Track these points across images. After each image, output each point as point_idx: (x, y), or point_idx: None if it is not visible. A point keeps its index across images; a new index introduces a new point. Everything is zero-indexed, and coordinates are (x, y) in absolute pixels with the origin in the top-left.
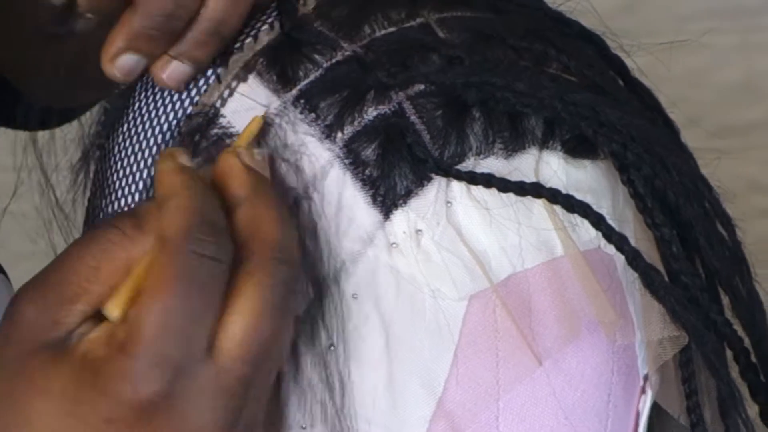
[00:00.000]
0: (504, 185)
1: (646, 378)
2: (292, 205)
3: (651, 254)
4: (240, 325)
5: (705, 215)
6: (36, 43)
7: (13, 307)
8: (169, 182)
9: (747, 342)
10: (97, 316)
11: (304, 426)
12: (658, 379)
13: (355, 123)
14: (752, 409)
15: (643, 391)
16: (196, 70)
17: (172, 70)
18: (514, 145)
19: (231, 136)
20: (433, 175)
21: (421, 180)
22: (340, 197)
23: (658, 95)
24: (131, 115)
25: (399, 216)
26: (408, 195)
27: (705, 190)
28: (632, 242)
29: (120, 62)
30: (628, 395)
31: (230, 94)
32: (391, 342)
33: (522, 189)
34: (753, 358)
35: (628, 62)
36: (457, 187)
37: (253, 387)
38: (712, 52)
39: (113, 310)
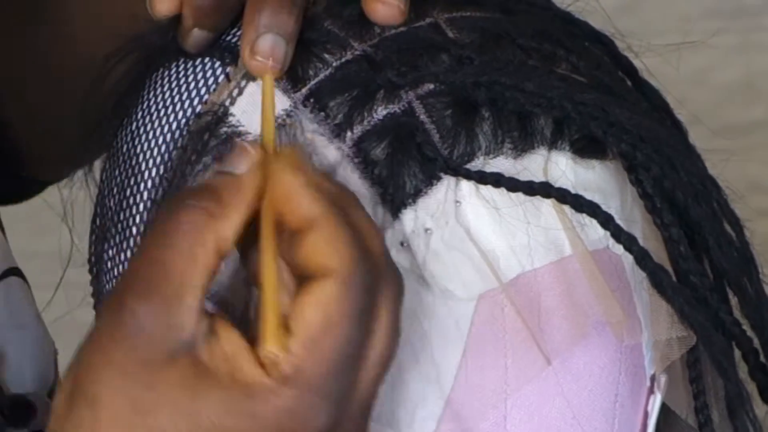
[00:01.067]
0: (513, 185)
1: (653, 378)
2: None
3: (659, 254)
4: (379, 348)
5: (713, 215)
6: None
7: (115, 311)
8: (317, 204)
9: (756, 342)
10: (204, 309)
11: None
12: (666, 379)
13: (365, 122)
14: (761, 409)
15: (652, 391)
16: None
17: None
18: (523, 144)
19: (240, 135)
20: (442, 174)
21: (430, 179)
22: None
23: (666, 96)
24: (140, 113)
25: (408, 215)
26: (417, 194)
27: (713, 190)
28: (641, 242)
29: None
30: (635, 395)
31: (240, 93)
32: (400, 341)
33: (531, 188)
34: (762, 358)
35: (636, 63)
36: (466, 186)
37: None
38: (713, 52)
39: (273, 348)
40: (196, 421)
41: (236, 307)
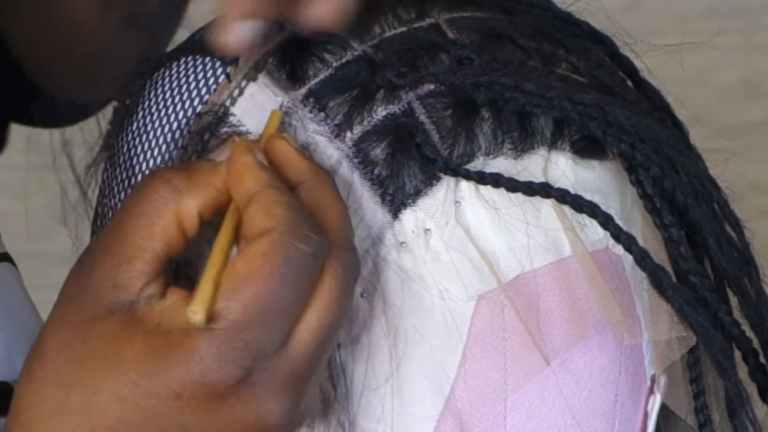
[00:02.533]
0: (513, 185)
1: (653, 378)
2: None
3: (659, 255)
4: (317, 314)
5: (713, 216)
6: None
7: (75, 272)
8: (257, 176)
9: (756, 343)
10: (158, 277)
11: (310, 424)
12: (666, 379)
13: (365, 122)
14: (761, 410)
15: (652, 391)
16: None
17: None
18: (523, 145)
19: (241, 134)
20: (442, 174)
21: (430, 180)
22: (349, 197)
23: (666, 96)
24: (140, 114)
25: (408, 215)
26: (417, 194)
27: (713, 191)
28: (641, 242)
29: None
30: (635, 395)
31: (240, 93)
32: (399, 341)
33: (531, 189)
34: (762, 359)
35: (637, 63)
36: (466, 186)
37: (314, 373)
38: (713, 52)
39: (197, 313)
40: (120, 368)
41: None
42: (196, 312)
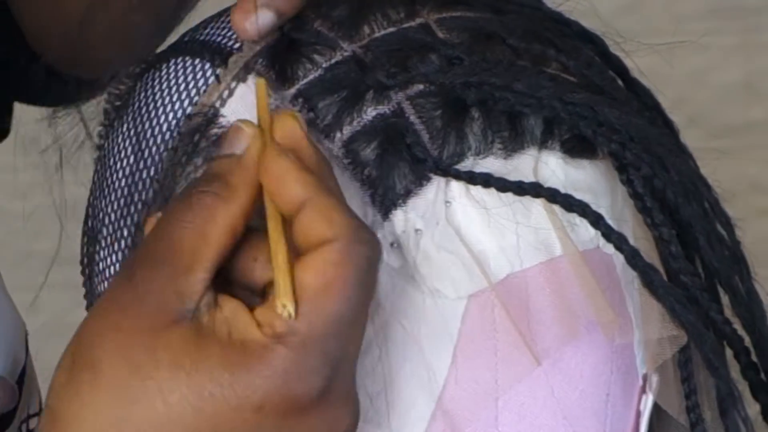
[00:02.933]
0: (503, 185)
1: (645, 377)
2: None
3: (650, 254)
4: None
5: (704, 215)
6: None
7: (125, 282)
8: (303, 181)
9: (747, 341)
10: (215, 285)
11: None
12: (658, 378)
13: (354, 123)
14: (753, 409)
15: (644, 391)
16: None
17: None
18: (513, 145)
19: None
20: (432, 174)
21: (420, 180)
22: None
23: (659, 95)
24: (131, 115)
25: (398, 216)
26: (407, 195)
27: (704, 189)
28: (631, 242)
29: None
30: (627, 395)
31: (230, 95)
32: (390, 342)
33: (521, 189)
34: (753, 357)
35: (629, 62)
36: (456, 187)
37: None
38: (712, 52)
39: (287, 306)
40: (195, 380)
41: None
42: (286, 305)
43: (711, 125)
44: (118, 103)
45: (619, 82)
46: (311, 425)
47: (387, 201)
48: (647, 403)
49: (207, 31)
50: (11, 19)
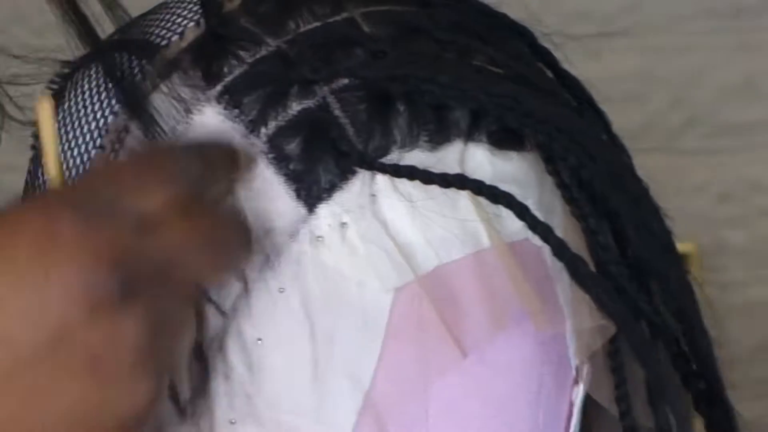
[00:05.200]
0: (427, 177)
1: (578, 368)
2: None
3: (581, 245)
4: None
5: (633, 205)
6: None
7: None
8: None
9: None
10: None
11: (233, 421)
12: (590, 368)
13: (279, 118)
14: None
15: (576, 381)
16: None
17: None
18: (439, 137)
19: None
20: (357, 168)
21: (345, 174)
22: (264, 192)
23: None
24: (61, 115)
25: (323, 210)
26: (332, 189)
27: (632, 180)
28: (560, 233)
29: None
30: (560, 386)
31: (154, 89)
32: (317, 335)
33: (446, 181)
34: (684, 347)
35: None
36: (382, 180)
37: None
38: (713, 52)
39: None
40: None
41: None
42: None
43: (711, 125)
44: (53, 97)
45: (549, 73)
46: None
47: (312, 195)
48: (579, 393)
49: (134, 29)
50: None
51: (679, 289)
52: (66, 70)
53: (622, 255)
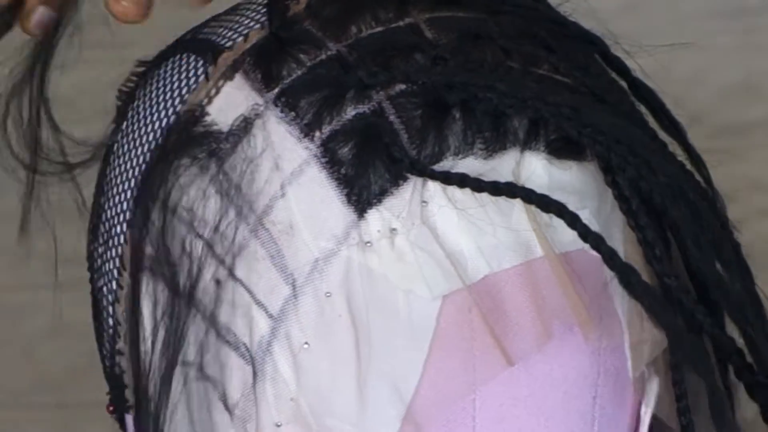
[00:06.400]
0: (478, 185)
1: (642, 380)
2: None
3: (638, 257)
4: None
5: (693, 218)
6: None
7: None
8: None
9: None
10: None
11: (278, 423)
12: (658, 382)
13: (334, 122)
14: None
15: (639, 394)
16: None
17: None
18: (495, 145)
19: (212, 134)
20: (408, 174)
21: (396, 180)
22: (315, 196)
23: (664, 97)
24: (130, 113)
25: (373, 215)
26: (383, 194)
27: (693, 193)
28: (620, 245)
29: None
30: (617, 396)
31: (216, 93)
32: (363, 341)
33: (496, 188)
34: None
35: (633, 63)
36: (433, 187)
37: None
38: (712, 52)
39: None
40: None
41: None
42: None
43: (711, 125)
44: (125, 100)
45: (622, 84)
46: None
47: (362, 200)
48: (647, 411)
49: (205, 29)
50: None
51: (743, 301)
52: (141, 69)
53: (673, 266)
